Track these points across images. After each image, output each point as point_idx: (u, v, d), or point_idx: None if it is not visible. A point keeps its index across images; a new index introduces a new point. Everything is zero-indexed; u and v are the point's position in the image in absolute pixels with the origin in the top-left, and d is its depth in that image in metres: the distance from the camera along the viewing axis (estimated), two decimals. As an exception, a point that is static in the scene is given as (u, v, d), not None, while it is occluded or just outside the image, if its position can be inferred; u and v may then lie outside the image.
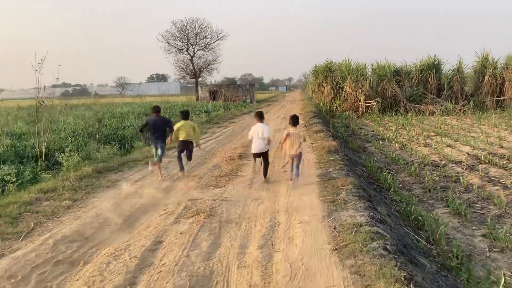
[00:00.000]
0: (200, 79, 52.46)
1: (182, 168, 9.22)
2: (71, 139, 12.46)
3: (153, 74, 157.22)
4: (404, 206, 7.40)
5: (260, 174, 8.64)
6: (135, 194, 7.73)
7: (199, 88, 50.29)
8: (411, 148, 13.69)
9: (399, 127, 20.12)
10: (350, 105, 29.10)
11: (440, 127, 19.00)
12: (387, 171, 10.35)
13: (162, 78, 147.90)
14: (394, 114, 26.82)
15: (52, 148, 10.90)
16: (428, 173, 10.06)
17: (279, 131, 15.88)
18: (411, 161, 11.82)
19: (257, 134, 8.45)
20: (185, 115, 9.79)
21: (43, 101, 11.55)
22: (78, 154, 10.12)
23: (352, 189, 6.96)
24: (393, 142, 15.31)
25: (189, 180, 8.82)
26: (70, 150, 10.25)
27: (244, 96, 48.60)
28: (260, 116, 8.73)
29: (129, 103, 40.15)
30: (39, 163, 9.97)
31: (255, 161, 8.96)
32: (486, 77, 29.10)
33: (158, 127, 9.21)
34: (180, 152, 9.36)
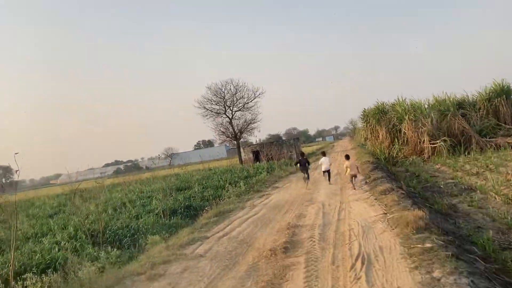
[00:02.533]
0: (241, 140, 50.10)
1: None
2: (58, 246, 9.62)
3: (199, 141, 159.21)
4: None
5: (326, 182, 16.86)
6: None
7: (242, 150, 47.79)
8: (522, 201, 9.80)
9: (483, 170, 16.11)
10: (412, 148, 25.18)
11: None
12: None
13: (208, 144, 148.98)
14: (467, 153, 22.63)
15: (25, 266, 8.00)
16: None
17: (335, 195, 12.49)
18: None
19: (325, 162, 16.99)
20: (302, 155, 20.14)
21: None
22: (49, 276, 7.09)
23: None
24: (490, 193, 11.40)
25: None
26: (38, 272, 7.27)
27: (289, 152, 45.51)
28: (323, 154, 18.29)
29: (170, 175, 38.05)
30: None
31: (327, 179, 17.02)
32: None
33: (303, 163, 17.42)
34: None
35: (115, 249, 9.22)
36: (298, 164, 17.93)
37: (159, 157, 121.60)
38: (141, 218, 13.46)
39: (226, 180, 21.64)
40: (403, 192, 11.33)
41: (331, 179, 17.02)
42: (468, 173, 15.96)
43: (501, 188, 11.67)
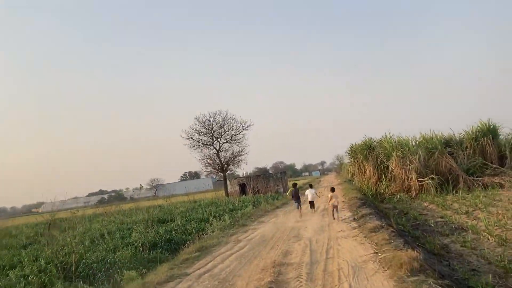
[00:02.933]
0: (228, 172, 49.57)
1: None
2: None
3: (185, 172, 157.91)
4: None
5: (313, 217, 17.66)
6: None
7: (228, 182, 47.18)
8: (517, 243, 9.45)
9: (472, 209, 15.84)
10: (400, 185, 24.93)
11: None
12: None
13: (195, 175, 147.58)
14: (455, 192, 22.43)
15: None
16: None
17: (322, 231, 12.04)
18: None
19: (310, 193, 19.08)
20: (295, 186, 20.33)
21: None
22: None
23: None
24: (483, 233, 11.04)
25: None
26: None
27: (276, 186, 45.04)
28: (310, 186, 20.86)
29: (153, 207, 37.18)
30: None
31: (311, 209, 19.57)
32: (556, 138, 24.83)
33: (296, 194, 19.33)
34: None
35: (87, 285, 8.56)
36: (291, 195, 19.79)
37: (140, 187, 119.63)
38: (119, 251, 12.74)
39: (211, 213, 21.02)
40: (393, 230, 10.92)
41: (317, 211, 18.91)
42: (458, 212, 15.65)
43: (493, 229, 11.34)
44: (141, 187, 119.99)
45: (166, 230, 16.46)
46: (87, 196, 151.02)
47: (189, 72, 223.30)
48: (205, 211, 22.76)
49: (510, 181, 22.20)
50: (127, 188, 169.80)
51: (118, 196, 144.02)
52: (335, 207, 15.93)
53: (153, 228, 17.25)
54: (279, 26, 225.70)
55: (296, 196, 19.20)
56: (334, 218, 15.63)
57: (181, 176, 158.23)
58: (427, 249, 9.82)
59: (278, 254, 10.17)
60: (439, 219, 14.83)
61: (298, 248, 10.77)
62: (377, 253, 8.44)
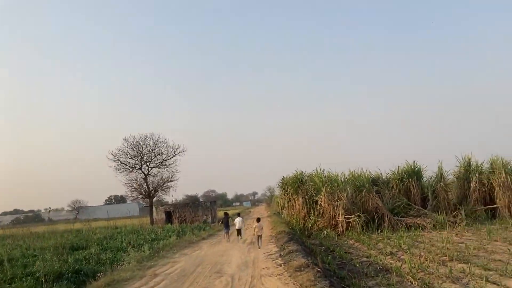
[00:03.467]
0: (155, 198, 47.73)
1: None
2: None
3: (111, 196, 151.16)
4: None
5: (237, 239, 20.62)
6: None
7: (154, 209, 45.27)
8: (439, 288, 9.31)
9: (396, 250, 15.96)
10: (328, 221, 24.90)
11: (447, 248, 15.07)
12: None
13: (120, 199, 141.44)
14: (380, 231, 22.77)
15: None
16: None
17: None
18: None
19: (238, 222, 21.00)
20: (226, 214, 23.46)
21: None
22: None
23: None
24: (406, 276, 10.89)
25: None
26: None
27: (204, 215, 43.88)
28: (238, 215, 23.17)
29: (70, 231, 34.60)
30: None
31: (238, 236, 21.23)
32: (472, 184, 26.23)
33: (226, 221, 22.03)
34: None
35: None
36: (224, 224, 22.41)
37: (49, 211, 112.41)
38: (15, 282, 11.18)
39: (130, 242, 19.61)
40: (319, 270, 10.47)
41: (244, 244, 19.33)
42: (382, 252, 15.66)
43: (417, 271, 11.27)
44: (49, 210, 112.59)
45: (77, 259, 14.89)
46: (0, 215, 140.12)
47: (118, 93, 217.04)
48: (125, 239, 21.24)
49: (431, 222, 22.94)
50: (46, 209, 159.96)
51: (35, 217, 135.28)
52: (259, 236, 18.01)
53: (63, 256, 15.59)
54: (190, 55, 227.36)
55: (226, 223, 22.21)
56: (259, 248, 17.41)
57: (106, 200, 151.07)
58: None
59: (197, 293, 9.35)
60: (364, 259, 14.69)
61: (219, 286, 10.01)
62: (301, 297, 7.91)
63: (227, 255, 16.09)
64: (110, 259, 15.15)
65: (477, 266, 11.29)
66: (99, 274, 12.22)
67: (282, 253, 14.47)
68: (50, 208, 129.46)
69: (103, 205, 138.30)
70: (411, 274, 10.86)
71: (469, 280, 10.03)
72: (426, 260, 12.92)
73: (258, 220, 18.60)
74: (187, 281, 10.87)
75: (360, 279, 11.22)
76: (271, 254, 14.77)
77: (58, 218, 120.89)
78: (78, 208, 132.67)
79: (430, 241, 17.39)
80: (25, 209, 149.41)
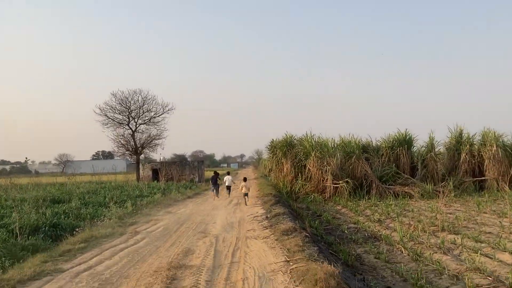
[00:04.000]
0: (142, 156, 47.09)
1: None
2: None
3: (98, 151, 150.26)
4: None
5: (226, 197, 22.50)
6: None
7: (141, 166, 44.71)
8: (430, 259, 8.97)
9: (384, 217, 15.70)
10: (315, 186, 24.62)
11: (436, 218, 14.81)
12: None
13: (108, 155, 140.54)
14: (368, 198, 22.58)
15: None
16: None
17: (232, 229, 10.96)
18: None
19: (228, 180, 22.58)
20: (215, 173, 24.80)
21: None
22: None
23: None
24: (396, 245, 10.57)
25: None
26: None
27: (191, 174, 43.51)
28: (228, 173, 24.89)
29: (54, 184, 33.98)
30: None
31: (227, 192, 23.13)
32: (462, 155, 25.93)
33: (215, 179, 23.12)
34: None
35: None
36: (213, 182, 23.50)
37: (26, 160, 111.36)
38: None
39: (113, 198, 19.07)
40: (307, 234, 10.07)
41: (231, 204, 19.58)
42: (370, 219, 15.39)
43: (407, 241, 10.96)
44: (26, 160, 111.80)
45: (56, 212, 14.30)
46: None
47: (114, 47, 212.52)
48: (108, 194, 20.69)
49: (418, 192, 22.76)
50: (33, 161, 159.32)
51: (22, 169, 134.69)
52: (245, 194, 19.62)
53: (41, 208, 15.00)
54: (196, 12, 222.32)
55: (214, 181, 23.25)
56: (246, 204, 18.93)
57: (93, 155, 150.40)
58: (341, 259, 9.06)
59: (178, 253, 8.88)
60: (352, 225, 14.40)
61: (202, 247, 9.57)
62: (288, 261, 7.47)
63: (212, 215, 15.69)
64: (91, 214, 14.59)
65: (468, 238, 11.00)
66: (77, 229, 11.71)
67: (268, 216, 14.08)
68: (26, 158, 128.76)
69: (90, 160, 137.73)
70: (401, 243, 10.54)
71: (461, 252, 9.72)
72: (416, 230, 12.64)
73: (245, 179, 20.59)
74: (169, 240, 10.43)
75: (349, 245, 10.90)
76: (257, 216, 14.38)
77: (45, 171, 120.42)
78: (64, 162, 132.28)
79: (418, 210, 17.14)
80: (12, 161, 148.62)
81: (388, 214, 16.34)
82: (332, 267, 6.10)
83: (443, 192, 22.88)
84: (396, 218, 14.89)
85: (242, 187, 19.39)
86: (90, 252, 9.11)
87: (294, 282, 6.16)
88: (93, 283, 6.74)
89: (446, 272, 7.95)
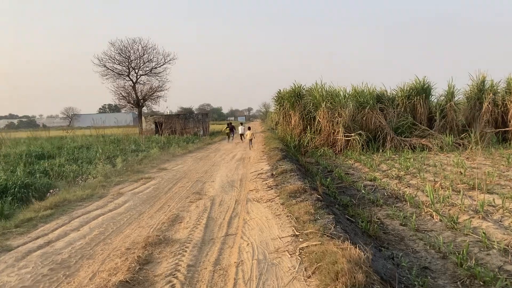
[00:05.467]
0: (145, 109, 45.39)
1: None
2: None
3: (105, 104, 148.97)
4: None
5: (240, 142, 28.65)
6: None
7: (143, 119, 43.12)
8: (470, 227, 7.32)
9: (403, 173, 14.03)
10: (325, 139, 22.91)
11: (461, 172, 13.14)
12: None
13: (115, 108, 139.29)
14: (382, 151, 20.90)
15: None
16: None
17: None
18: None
19: (241, 129, 30.97)
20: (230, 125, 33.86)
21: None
22: None
23: None
24: (423, 208, 8.91)
25: None
26: None
27: (195, 128, 41.90)
28: (241, 123, 37.64)
29: (54, 138, 32.56)
30: None
31: (241, 138, 30.93)
32: (484, 105, 23.85)
33: (231, 128, 33.31)
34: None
35: None
36: (228, 129, 33.22)
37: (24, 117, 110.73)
38: None
39: (105, 153, 17.48)
40: (318, 196, 8.43)
41: (233, 159, 18.47)
42: (388, 175, 13.73)
43: (425, 199, 9.33)
44: (71, 118, 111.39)
45: (32, 170, 12.74)
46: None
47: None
48: (101, 149, 19.04)
49: (437, 144, 21.01)
50: (41, 115, 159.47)
51: (29, 122, 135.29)
52: (250, 140, 24.86)
53: (18, 166, 13.38)
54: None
55: (231, 129, 33.02)
56: (250, 148, 23.66)
57: (100, 108, 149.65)
58: (360, 227, 7.45)
59: (163, 221, 7.30)
60: (368, 182, 12.75)
61: (194, 213, 7.99)
62: (297, 236, 5.84)
63: (211, 171, 14.14)
64: (74, 172, 13.02)
65: (507, 198, 9.28)
66: (51, 191, 10.14)
67: (274, 173, 12.45)
68: (74, 112, 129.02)
69: (97, 113, 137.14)
70: (431, 205, 8.87)
71: (502, 216, 8.07)
72: (442, 188, 10.99)
73: (249, 128, 26.81)
74: (156, 204, 8.85)
75: (367, 208, 9.29)
76: (262, 173, 12.78)
77: (52, 125, 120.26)
78: (71, 116, 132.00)
79: (440, 164, 15.41)
80: (20, 115, 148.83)
81: (407, 169, 14.65)
82: (358, 250, 4.45)
83: (463, 144, 21.17)
84: (418, 174, 13.21)
85: (247, 134, 25.02)
86: (56, 221, 7.50)
87: (305, 270, 4.54)
88: (42, 267, 5.16)
89: (496, 246, 6.32)
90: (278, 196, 8.91)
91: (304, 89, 26.23)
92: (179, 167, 15.58)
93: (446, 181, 11.66)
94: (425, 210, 8.72)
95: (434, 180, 12.07)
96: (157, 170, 14.48)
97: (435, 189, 10.87)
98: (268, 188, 10.17)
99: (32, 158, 15.62)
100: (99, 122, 49.30)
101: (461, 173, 13.14)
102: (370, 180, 13.07)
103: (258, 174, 12.73)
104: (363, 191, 10.93)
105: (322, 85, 24.73)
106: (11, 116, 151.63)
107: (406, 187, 11.52)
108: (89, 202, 9.09)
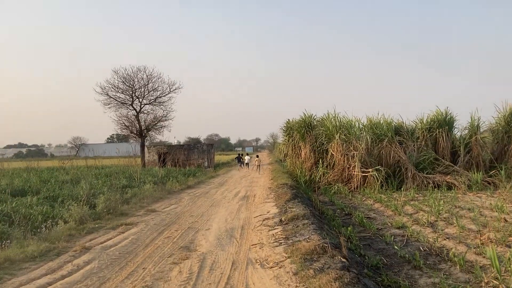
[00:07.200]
0: (147, 139, 43.60)
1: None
2: None
3: (113, 134, 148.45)
4: None
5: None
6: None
7: (146, 150, 41.28)
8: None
9: (432, 217, 11.84)
10: (339, 174, 20.75)
11: (506, 220, 10.95)
12: None
13: (123, 138, 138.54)
14: (403, 189, 18.67)
15: None
16: None
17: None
18: None
19: (247, 159, 39.12)
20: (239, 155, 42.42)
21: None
22: None
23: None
24: (484, 276, 6.67)
25: None
26: None
27: (200, 159, 39.95)
28: (247, 154, 47.59)
29: (52, 169, 30.75)
30: None
31: (247, 167, 38.40)
32: (515, 138, 21.75)
33: (239, 159, 40.59)
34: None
35: None
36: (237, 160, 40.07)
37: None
38: None
39: (93, 188, 15.41)
40: (343, 260, 6.27)
41: (237, 196, 17.03)
42: (418, 221, 11.53)
43: (472, 258, 7.08)
44: (78, 148, 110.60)
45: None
46: (4, 148, 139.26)
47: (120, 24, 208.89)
48: (89, 184, 16.95)
49: (464, 182, 18.76)
50: (49, 144, 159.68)
51: (38, 152, 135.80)
52: (258, 166, 32.38)
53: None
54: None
55: (239, 160, 39.42)
56: (258, 172, 30.84)
57: (108, 138, 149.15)
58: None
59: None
60: (396, 231, 10.55)
61: (173, 283, 5.85)
62: None
63: (208, 214, 12.02)
64: (44, 215, 10.83)
65: None
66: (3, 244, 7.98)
67: (283, 219, 10.31)
68: (81, 142, 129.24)
69: (104, 143, 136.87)
70: (499, 277, 6.59)
71: None
72: (492, 242, 8.76)
73: (257, 156, 33.99)
74: (127, 267, 6.67)
75: (403, 270, 7.08)
76: (268, 219, 10.64)
77: (60, 154, 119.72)
78: (78, 145, 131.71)
79: (477, 208, 13.17)
80: (29, 143, 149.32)
81: (439, 213, 12.42)
82: None
83: (492, 182, 18.96)
84: (454, 221, 10.97)
85: (255, 161, 31.68)
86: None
87: None
88: None
89: None
90: (289, 257, 6.75)
91: (315, 119, 24.30)
92: (172, 207, 13.46)
93: (496, 232, 9.43)
94: (486, 280, 6.49)
95: (479, 230, 9.83)
96: (144, 212, 12.33)
97: (482, 243, 8.70)
98: (275, 243, 8.02)
99: (5, 195, 13.56)
100: (101, 152, 47.66)
101: (506, 221, 10.95)
102: (398, 228, 10.87)
103: (264, 220, 10.60)
104: (395, 247, 8.69)
105: (335, 115, 22.74)
106: (20, 145, 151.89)
107: (445, 239, 9.31)
108: (39, 262, 6.89)
